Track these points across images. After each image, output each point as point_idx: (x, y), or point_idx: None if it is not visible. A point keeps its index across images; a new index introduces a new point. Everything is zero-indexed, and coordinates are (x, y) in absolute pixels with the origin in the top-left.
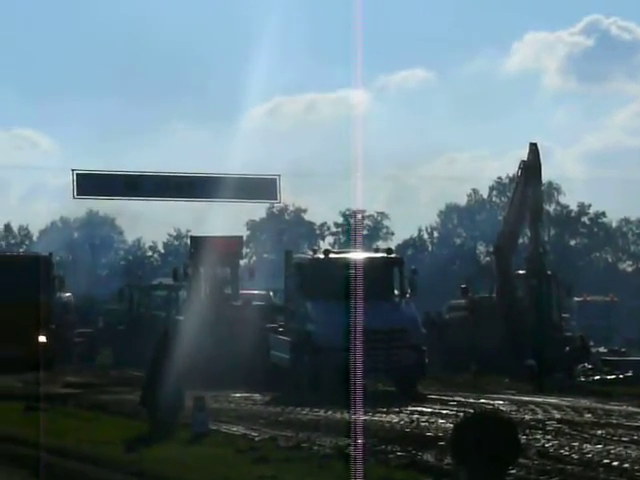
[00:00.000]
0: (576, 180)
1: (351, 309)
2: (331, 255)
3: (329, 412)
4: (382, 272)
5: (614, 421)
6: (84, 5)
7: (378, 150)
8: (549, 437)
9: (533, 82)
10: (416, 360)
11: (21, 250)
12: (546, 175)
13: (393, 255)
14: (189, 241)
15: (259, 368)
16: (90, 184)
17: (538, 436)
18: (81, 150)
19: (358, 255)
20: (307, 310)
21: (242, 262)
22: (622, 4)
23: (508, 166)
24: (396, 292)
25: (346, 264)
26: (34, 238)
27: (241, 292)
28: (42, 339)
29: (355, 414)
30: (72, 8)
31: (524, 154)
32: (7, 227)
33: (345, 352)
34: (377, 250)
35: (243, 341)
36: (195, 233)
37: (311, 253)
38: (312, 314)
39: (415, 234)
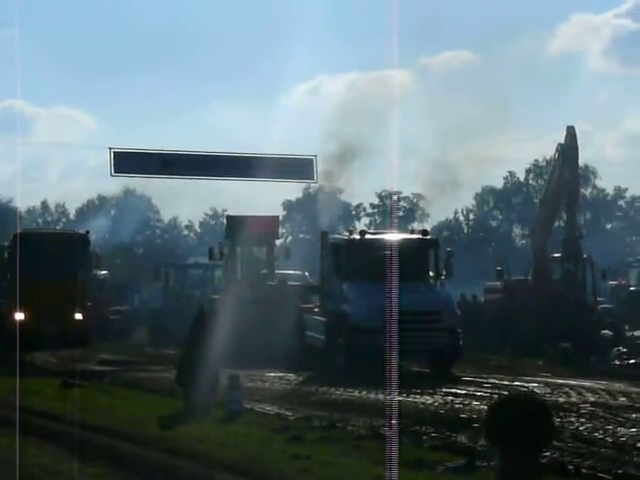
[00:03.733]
0: (614, 164)
1: (386, 290)
2: (367, 236)
3: (363, 392)
4: (417, 253)
5: None
6: None
7: (417, 131)
8: (583, 420)
9: (576, 64)
10: (451, 342)
11: (58, 227)
12: (585, 158)
13: (429, 236)
14: (225, 220)
15: (294, 348)
16: (127, 162)
17: (572, 419)
18: (121, 129)
19: (394, 236)
20: (342, 291)
21: (278, 242)
22: None
23: (546, 149)
24: (431, 274)
25: (382, 245)
26: (71, 216)
27: (277, 272)
28: (78, 316)
29: (389, 395)
30: None
31: (562, 137)
32: (44, 204)
33: (380, 333)
34: (413, 231)
35: (278, 321)
36: (231, 213)
37: (347, 234)
38: (347, 295)
39: (451, 216)
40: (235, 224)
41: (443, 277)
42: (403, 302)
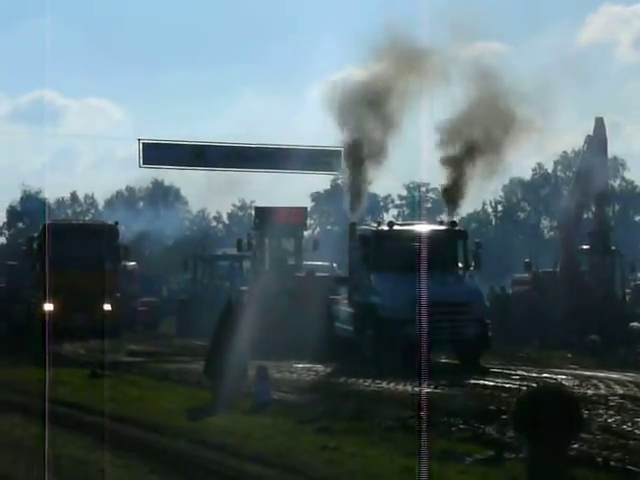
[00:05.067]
0: None
1: (415, 281)
2: (395, 227)
3: (392, 384)
4: (446, 244)
5: None
6: None
7: (446, 122)
8: (611, 412)
9: (605, 55)
10: (480, 333)
11: (87, 218)
12: (614, 150)
13: (457, 227)
14: (253, 212)
15: (323, 339)
16: (156, 154)
17: (600, 411)
18: (151, 120)
19: (422, 227)
20: (371, 282)
21: (306, 233)
22: None
23: (575, 140)
24: (460, 265)
25: (410, 236)
26: (100, 207)
27: (305, 263)
28: (107, 307)
29: (418, 386)
30: None
31: (591, 128)
32: (73, 195)
33: (409, 324)
34: (441, 223)
35: (306, 312)
36: (259, 204)
37: (375, 225)
38: (376, 286)
39: (479, 208)
40: (263, 215)
41: (472, 268)
42: (431, 293)
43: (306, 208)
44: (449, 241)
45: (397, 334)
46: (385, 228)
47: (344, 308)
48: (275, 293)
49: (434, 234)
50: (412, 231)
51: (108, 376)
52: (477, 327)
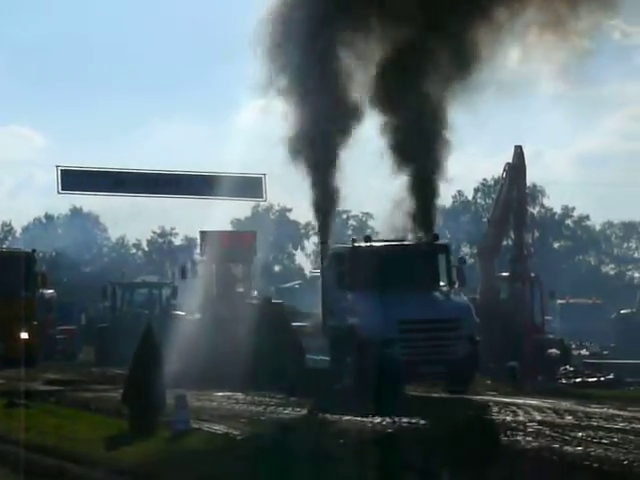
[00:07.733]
0: (562, 183)
1: (397, 299)
2: (373, 243)
3: (319, 413)
4: (429, 259)
5: (594, 423)
6: None
7: (365, 149)
8: (530, 439)
9: (529, 84)
10: (470, 352)
11: (4, 246)
12: (536, 178)
13: (439, 241)
14: (198, 236)
15: (292, 370)
16: (74, 180)
17: (519, 437)
18: (73, 147)
19: (402, 242)
20: (349, 303)
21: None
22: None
23: (495, 168)
24: (444, 281)
25: (389, 252)
26: (17, 234)
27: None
28: (24, 335)
29: (344, 415)
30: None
31: (510, 156)
32: None
33: (392, 345)
34: (421, 238)
35: (270, 341)
36: (204, 228)
37: (351, 242)
38: (355, 306)
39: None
40: (209, 239)
41: (456, 285)
42: (417, 311)
43: (255, 232)
44: (432, 255)
45: (379, 356)
46: (362, 244)
47: (317, 336)
48: (224, 320)
49: (415, 249)
50: (392, 247)
51: (25, 405)
52: (467, 345)
